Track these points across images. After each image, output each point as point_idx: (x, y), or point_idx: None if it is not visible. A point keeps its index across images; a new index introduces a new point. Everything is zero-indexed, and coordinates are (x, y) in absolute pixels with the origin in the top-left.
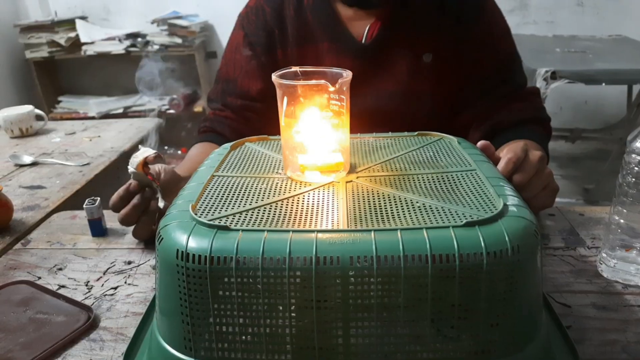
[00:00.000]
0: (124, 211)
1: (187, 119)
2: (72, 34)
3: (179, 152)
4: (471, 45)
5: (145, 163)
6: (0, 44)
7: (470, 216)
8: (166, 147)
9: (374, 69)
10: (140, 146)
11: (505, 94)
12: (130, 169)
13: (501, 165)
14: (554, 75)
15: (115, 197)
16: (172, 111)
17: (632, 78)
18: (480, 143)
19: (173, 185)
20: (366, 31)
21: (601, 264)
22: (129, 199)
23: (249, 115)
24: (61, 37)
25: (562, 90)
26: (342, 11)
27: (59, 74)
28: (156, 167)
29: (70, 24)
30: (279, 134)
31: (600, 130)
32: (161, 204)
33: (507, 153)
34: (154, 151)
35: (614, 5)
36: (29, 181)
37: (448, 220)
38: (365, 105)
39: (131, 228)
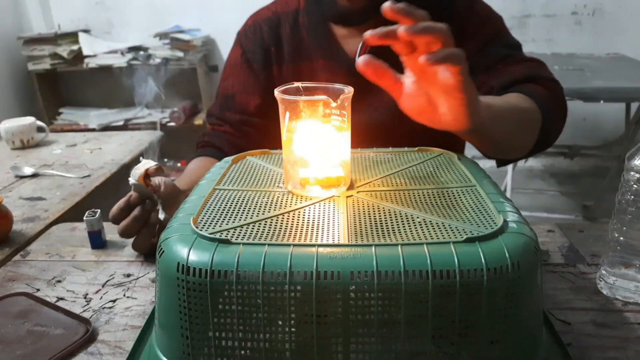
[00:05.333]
0: (124, 223)
1: (188, 132)
2: (75, 47)
3: (179, 164)
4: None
5: (147, 175)
6: (3, 56)
7: (470, 232)
8: (166, 160)
9: (367, 85)
10: (141, 158)
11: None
12: (132, 180)
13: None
14: None
15: (115, 208)
16: (172, 124)
17: (630, 96)
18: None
19: (172, 198)
20: (359, 48)
21: (601, 281)
22: (130, 211)
23: (247, 129)
24: (64, 50)
25: None
26: (337, 30)
27: (60, 86)
28: (156, 180)
29: (73, 37)
30: (278, 148)
31: (599, 148)
32: (162, 215)
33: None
34: (156, 163)
35: (612, 25)
36: (29, 192)
37: (448, 235)
38: (361, 120)
39: (131, 240)
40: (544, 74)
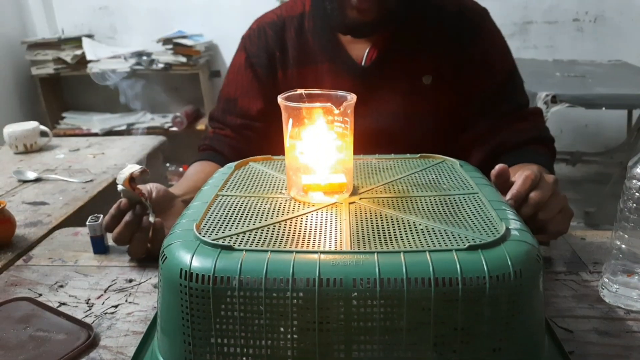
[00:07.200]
0: (116, 230)
1: (190, 137)
2: (78, 52)
3: (181, 169)
4: (470, 65)
5: (132, 179)
6: (7, 60)
7: (472, 239)
8: (168, 164)
9: (373, 90)
10: (127, 163)
11: (506, 113)
12: (119, 186)
13: (519, 182)
14: (554, 99)
15: (107, 217)
16: (175, 129)
17: (632, 103)
18: (497, 167)
19: (166, 204)
20: (366, 54)
21: (603, 289)
22: (121, 218)
23: (248, 134)
24: (67, 55)
25: (562, 114)
26: (342, 35)
27: (64, 90)
28: (147, 186)
29: (76, 41)
30: (278, 153)
31: (601, 154)
32: (151, 218)
33: (523, 172)
34: (140, 167)
35: (613, 31)
36: (32, 197)
37: (451, 243)
38: (365, 126)
39: None
40: (548, 135)
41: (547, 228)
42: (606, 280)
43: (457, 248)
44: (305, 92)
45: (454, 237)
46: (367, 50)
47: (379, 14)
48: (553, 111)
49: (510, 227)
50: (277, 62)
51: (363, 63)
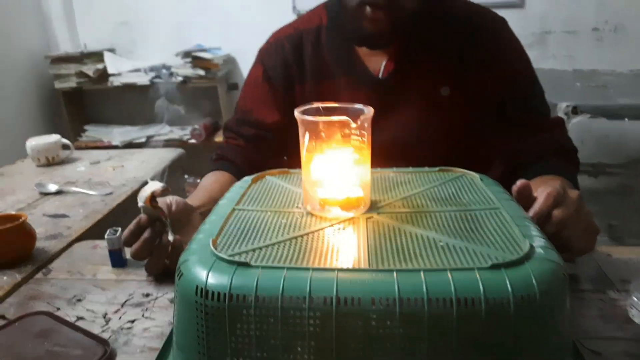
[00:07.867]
0: (135, 246)
1: (208, 149)
2: (100, 66)
3: (199, 180)
4: (490, 76)
5: (153, 197)
6: (31, 74)
7: (495, 257)
8: (186, 176)
9: (391, 103)
10: (148, 180)
11: (528, 124)
12: (140, 203)
13: (540, 199)
14: (575, 110)
15: (126, 232)
16: (193, 141)
17: None
18: (519, 183)
19: (185, 217)
20: (383, 66)
21: (632, 308)
22: (140, 234)
23: (261, 144)
24: (89, 69)
25: (583, 125)
26: (359, 47)
27: (85, 103)
28: (167, 200)
29: (98, 56)
30: (291, 165)
31: (624, 165)
32: (170, 237)
33: (545, 188)
34: (162, 184)
35: (634, 41)
36: (53, 210)
37: (472, 261)
38: (383, 138)
39: None
40: (571, 146)
41: (572, 246)
42: (635, 299)
43: (480, 267)
44: (322, 105)
45: (476, 255)
46: (384, 63)
47: (393, 24)
48: (574, 122)
49: (534, 245)
50: (294, 75)
51: (380, 75)
